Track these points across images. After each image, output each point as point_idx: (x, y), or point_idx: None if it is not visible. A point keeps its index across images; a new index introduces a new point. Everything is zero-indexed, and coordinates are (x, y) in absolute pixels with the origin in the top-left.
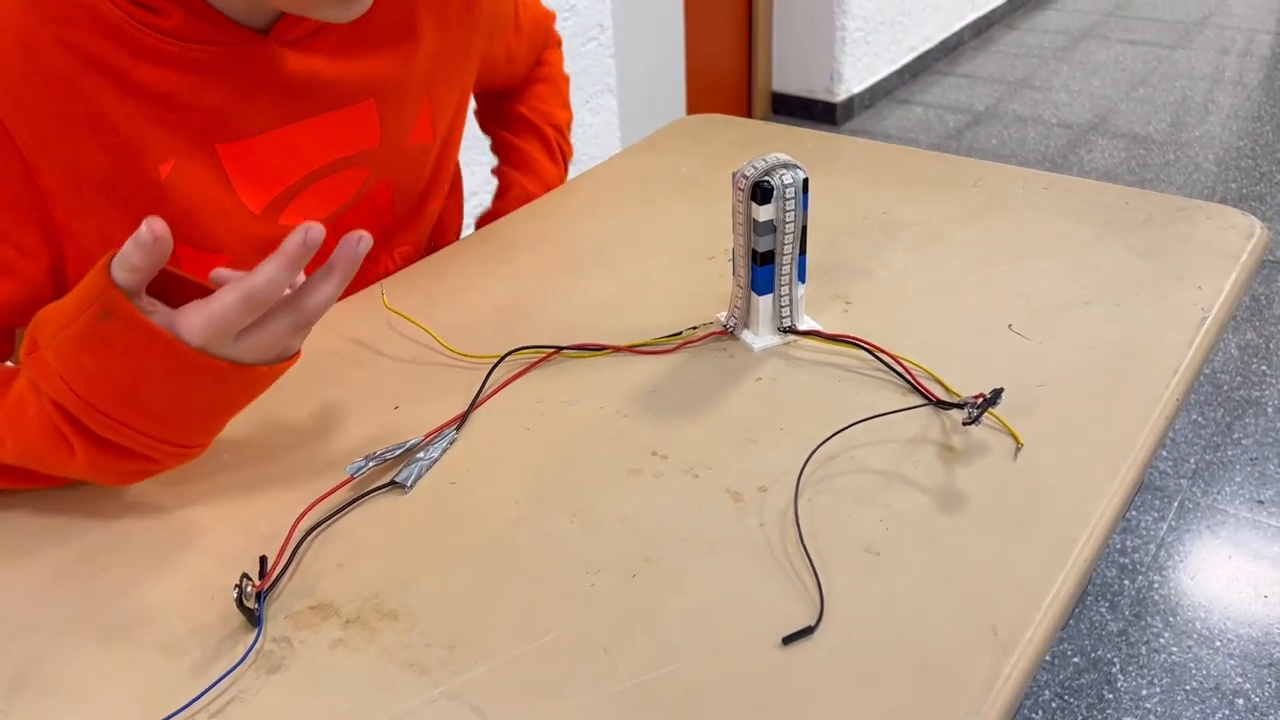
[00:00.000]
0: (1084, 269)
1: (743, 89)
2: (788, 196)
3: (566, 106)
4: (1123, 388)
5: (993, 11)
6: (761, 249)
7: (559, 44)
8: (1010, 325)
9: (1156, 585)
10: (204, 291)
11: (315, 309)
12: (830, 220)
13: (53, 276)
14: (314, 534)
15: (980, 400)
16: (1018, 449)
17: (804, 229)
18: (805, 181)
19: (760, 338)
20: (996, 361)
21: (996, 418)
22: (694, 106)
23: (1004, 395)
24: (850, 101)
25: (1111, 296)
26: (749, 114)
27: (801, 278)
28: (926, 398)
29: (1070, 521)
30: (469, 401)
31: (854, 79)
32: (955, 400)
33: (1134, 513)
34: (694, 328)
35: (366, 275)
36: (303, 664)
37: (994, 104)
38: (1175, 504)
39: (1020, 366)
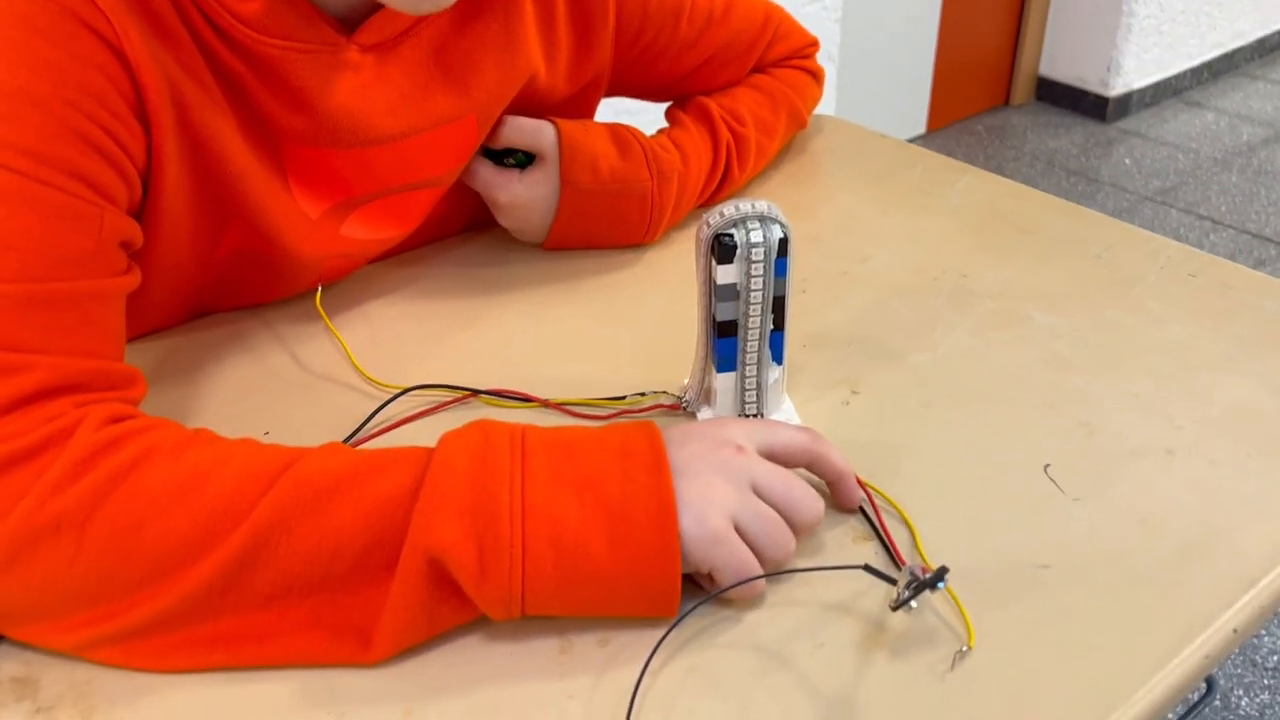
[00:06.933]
0: (1191, 401)
1: (1004, 70)
2: (754, 259)
3: (767, 130)
4: (1161, 596)
5: None
6: (721, 317)
7: (802, 60)
8: (1047, 466)
9: None
10: None
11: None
12: (891, 275)
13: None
14: None
15: (921, 577)
16: (961, 652)
17: (780, 299)
18: (783, 242)
19: None
20: (1006, 514)
21: (954, 599)
22: (942, 82)
23: (948, 577)
24: (1127, 98)
25: (1209, 448)
26: (1007, 98)
27: (777, 359)
28: (887, 548)
29: None
30: (344, 438)
31: (1136, 72)
32: (889, 574)
33: None
34: (643, 394)
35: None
36: None
37: None
38: None
39: (1031, 530)
